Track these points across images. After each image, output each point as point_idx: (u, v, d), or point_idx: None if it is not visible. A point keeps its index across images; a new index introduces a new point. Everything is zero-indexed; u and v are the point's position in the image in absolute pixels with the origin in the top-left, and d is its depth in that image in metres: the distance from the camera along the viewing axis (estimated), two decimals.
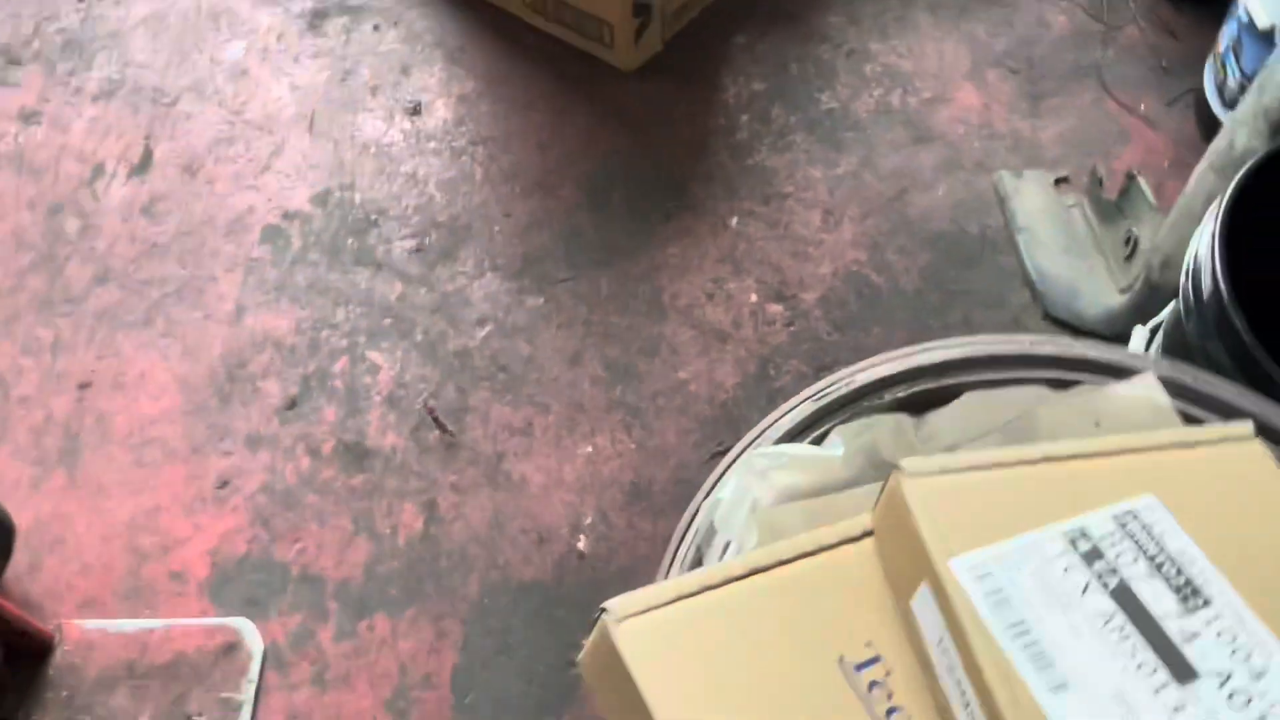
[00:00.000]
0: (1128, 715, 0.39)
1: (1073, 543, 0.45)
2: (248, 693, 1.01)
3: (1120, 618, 0.42)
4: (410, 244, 1.31)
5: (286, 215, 1.35)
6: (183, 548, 1.10)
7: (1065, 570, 0.44)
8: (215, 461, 1.15)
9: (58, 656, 1.03)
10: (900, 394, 0.56)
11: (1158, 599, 0.43)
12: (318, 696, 1.01)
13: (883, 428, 0.55)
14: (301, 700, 1.01)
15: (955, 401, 0.56)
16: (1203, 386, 0.53)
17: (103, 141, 1.43)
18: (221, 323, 1.26)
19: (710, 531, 0.50)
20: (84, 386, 1.20)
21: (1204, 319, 0.77)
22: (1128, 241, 1.16)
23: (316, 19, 1.56)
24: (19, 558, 1.07)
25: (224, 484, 1.14)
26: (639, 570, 1.06)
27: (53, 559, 1.09)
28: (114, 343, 1.24)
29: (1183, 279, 0.82)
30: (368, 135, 1.42)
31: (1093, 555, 0.44)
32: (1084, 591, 0.43)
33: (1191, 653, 0.41)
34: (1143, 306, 1.11)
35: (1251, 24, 1.17)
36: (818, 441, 0.53)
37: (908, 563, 0.44)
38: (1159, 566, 0.44)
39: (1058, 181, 1.30)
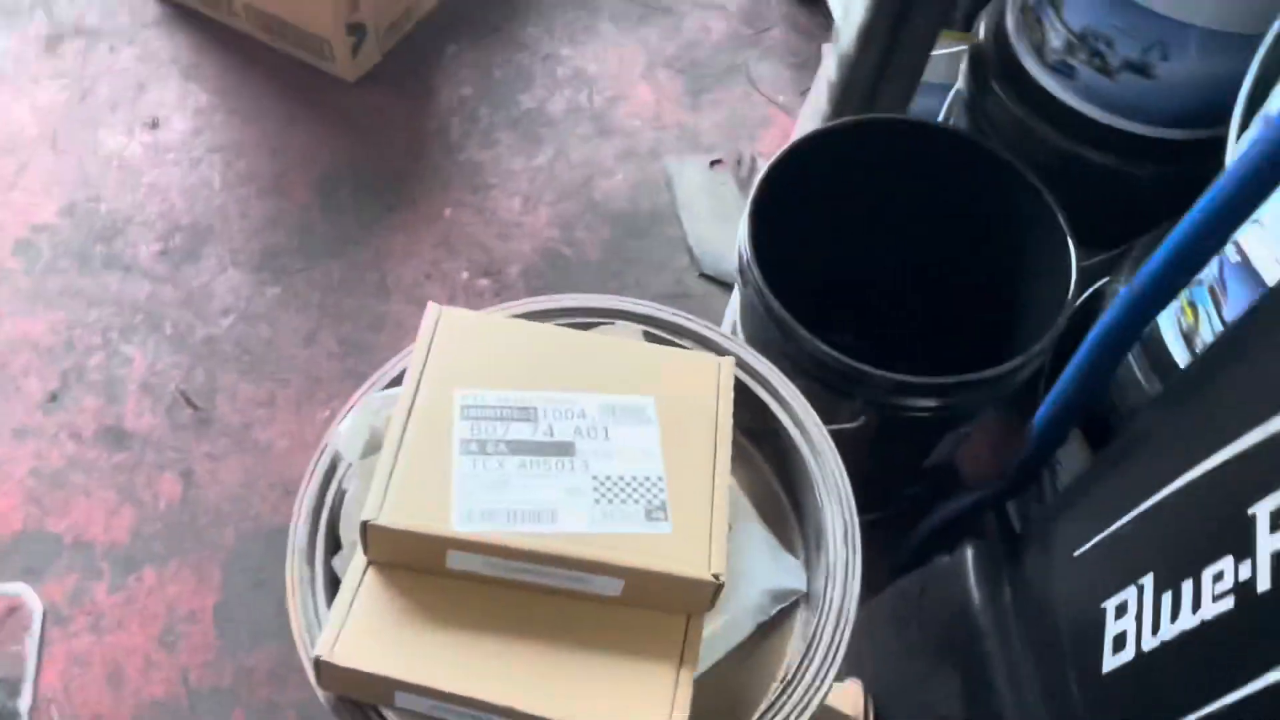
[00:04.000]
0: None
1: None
2: (31, 646, 1.17)
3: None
4: (156, 247, 1.47)
5: (35, 228, 1.47)
6: None
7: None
8: None
9: None
10: None
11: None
12: (96, 641, 1.18)
13: None
14: (81, 646, 1.18)
15: None
16: (679, 320, 0.80)
17: None
18: None
19: (338, 456, 0.73)
20: None
21: (747, 287, 1.05)
22: None
23: (53, 41, 1.67)
24: None
25: None
26: None
27: None
28: None
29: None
30: (109, 149, 1.56)
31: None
32: None
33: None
34: None
35: None
36: None
37: None
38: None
39: (713, 163, 1.59)
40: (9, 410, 1.32)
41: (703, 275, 1.49)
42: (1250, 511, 0.65)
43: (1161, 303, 0.78)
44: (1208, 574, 0.68)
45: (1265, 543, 0.63)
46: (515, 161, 1.59)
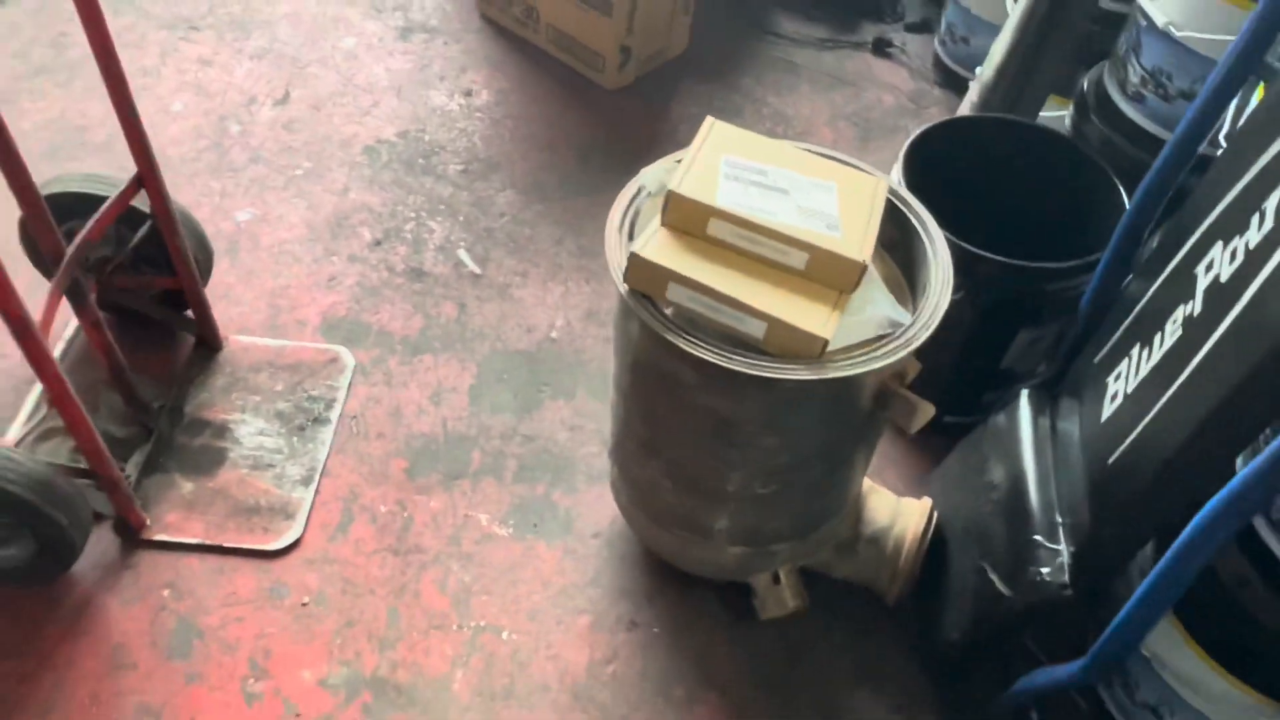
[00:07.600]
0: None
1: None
2: (342, 382, 1.66)
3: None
4: (459, 167, 2.03)
5: (379, 141, 2.06)
6: (304, 309, 1.76)
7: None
8: (327, 267, 1.83)
9: (224, 353, 1.68)
10: None
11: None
12: (386, 390, 1.67)
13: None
14: (376, 390, 1.66)
15: None
16: (858, 164, 1.27)
17: (256, 83, 2.14)
18: (334, 194, 1.95)
19: (641, 187, 1.21)
20: (241, 218, 1.88)
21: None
22: None
23: (406, 32, 2.31)
24: None
25: (332, 279, 1.81)
26: (587, 352, 1.75)
27: (223, 304, 1.75)
28: (263, 197, 1.93)
29: None
30: (436, 103, 2.15)
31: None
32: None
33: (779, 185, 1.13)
34: None
35: None
36: None
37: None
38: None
39: None
40: (348, 245, 1.86)
41: None
42: (1194, 270, 1.06)
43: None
44: (1169, 322, 1.09)
45: (1200, 284, 1.05)
46: None
